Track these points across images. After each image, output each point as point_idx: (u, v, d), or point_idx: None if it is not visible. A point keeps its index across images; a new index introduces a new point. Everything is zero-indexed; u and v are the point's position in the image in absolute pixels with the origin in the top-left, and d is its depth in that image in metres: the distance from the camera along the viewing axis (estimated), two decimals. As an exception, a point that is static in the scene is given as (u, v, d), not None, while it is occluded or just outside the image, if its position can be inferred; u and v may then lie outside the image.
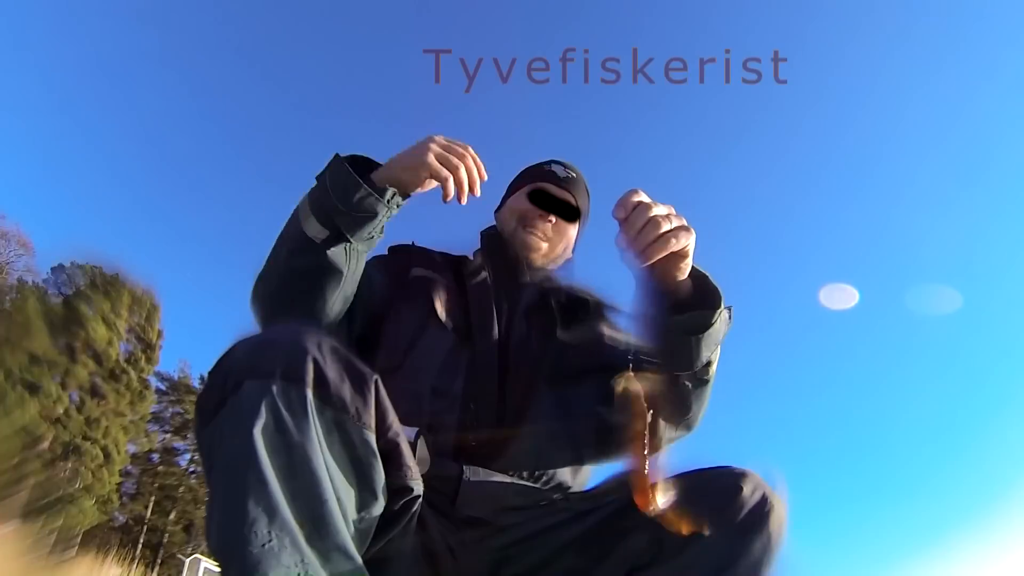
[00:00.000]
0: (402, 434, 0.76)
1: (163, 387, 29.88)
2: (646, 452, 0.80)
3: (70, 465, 21.87)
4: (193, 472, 29.75)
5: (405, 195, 0.94)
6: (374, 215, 0.90)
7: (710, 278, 0.91)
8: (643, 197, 0.83)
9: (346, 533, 0.66)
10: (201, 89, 40.47)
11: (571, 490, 1.02)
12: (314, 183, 0.92)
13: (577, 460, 1.03)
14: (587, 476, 1.07)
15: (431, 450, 0.90)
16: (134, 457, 27.24)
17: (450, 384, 0.98)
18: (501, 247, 1.19)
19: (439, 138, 0.93)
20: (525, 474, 0.97)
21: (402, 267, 1.13)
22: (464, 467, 0.92)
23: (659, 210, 0.82)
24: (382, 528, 0.74)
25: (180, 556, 25.08)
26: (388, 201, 0.90)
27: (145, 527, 27.72)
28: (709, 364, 0.97)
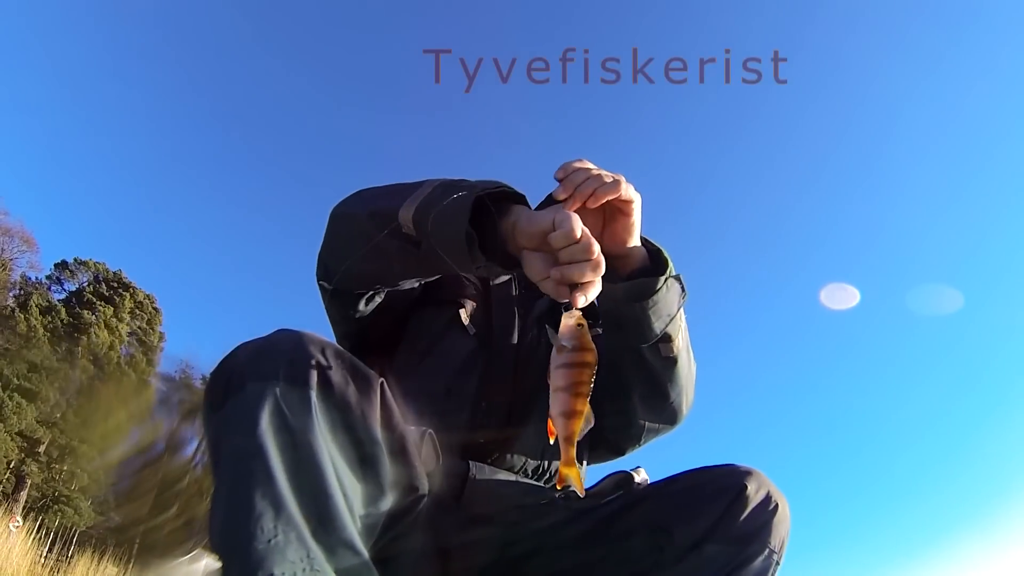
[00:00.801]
0: (408, 433, 0.77)
1: (163, 388, 29.84)
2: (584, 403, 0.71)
3: (66, 467, 21.85)
4: (195, 467, 29.69)
5: (511, 257, 0.77)
6: (453, 267, 0.78)
7: (663, 251, 0.88)
8: (587, 164, 0.79)
9: (352, 528, 0.66)
10: (205, 91, 40.49)
11: (573, 489, 1.03)
12: (454, 179, 0.80)
13: (579, 461, 1.04)
14: (587, 476, 1.08)
15: (439, 448, 0.91)
16: (132, 458, 27.20)
17: (464, 385, 1.00)
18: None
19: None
20: (530, 473, 0.98)
21: None
22: (471, 466, 0.93)
23: (602, 172, 0.78)
24: (388, 524, 0.74)
25: (179, 553, 24.98)
26: (478, 264, 0.77)
27: (142, 527, 27.63)
28: (669, 340, 0.92)
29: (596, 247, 0.71)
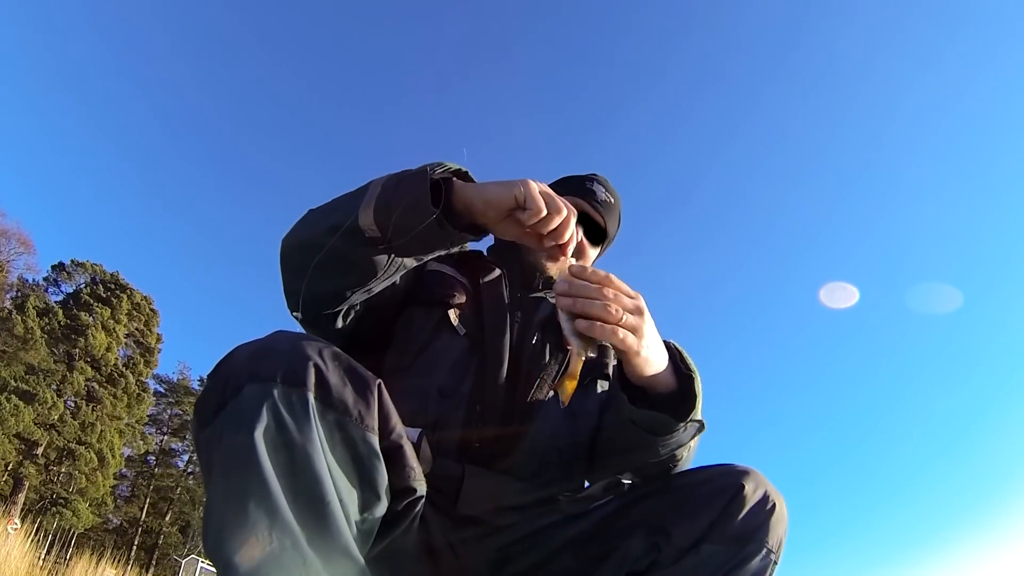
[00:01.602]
0: (405, 435, 0.76)
1: (162, 389, 29.83)
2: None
3: (64, 469, 21.80)
4: (190, 474, 29.69)
5: (480, 227, 0.83)
6: (431, 249, 0.83)
7: (695, 382, 0.84)
8: (610, 280, 0.77)
9: (349, 534, 0.66)
10: (204, 94, 40.39)
11: (570, 492, 1.02)
12: (396, 173, 0.83)
13: (577, 464, 1.03)
14: (585, 479, 1.08)
15: (434, 450, 0.90)
16: (129, 460, 27.17)
17: (458, 385, 0.99)
18: (517, 251, 1.15)
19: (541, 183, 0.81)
20: (526, 475, 0.98)
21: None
22: (467, 467, 0.93)
23: (609, 292, 0.75)
24: (385, 528, 0.74)
25: (176, 557, 24.97)
26: (452, 240, 0.82)
27: (140, 529, 27.60)
28: (675, 458, 0.91)
29: (561, 206, 0.78)
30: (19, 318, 21.09)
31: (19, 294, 23.23)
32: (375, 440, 0.70)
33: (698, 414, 0.84)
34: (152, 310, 26.54)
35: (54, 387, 21.62)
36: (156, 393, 28.69)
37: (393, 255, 0.85)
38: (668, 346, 0.87)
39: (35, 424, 20.29)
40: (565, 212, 0.78)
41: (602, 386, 1.07)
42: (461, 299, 1.06)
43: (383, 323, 1.05)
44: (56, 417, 21.06)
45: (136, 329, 25.94)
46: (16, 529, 9.08)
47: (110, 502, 24.20)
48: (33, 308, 21.85)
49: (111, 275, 25.46)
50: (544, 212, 0.76)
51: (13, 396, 19.56)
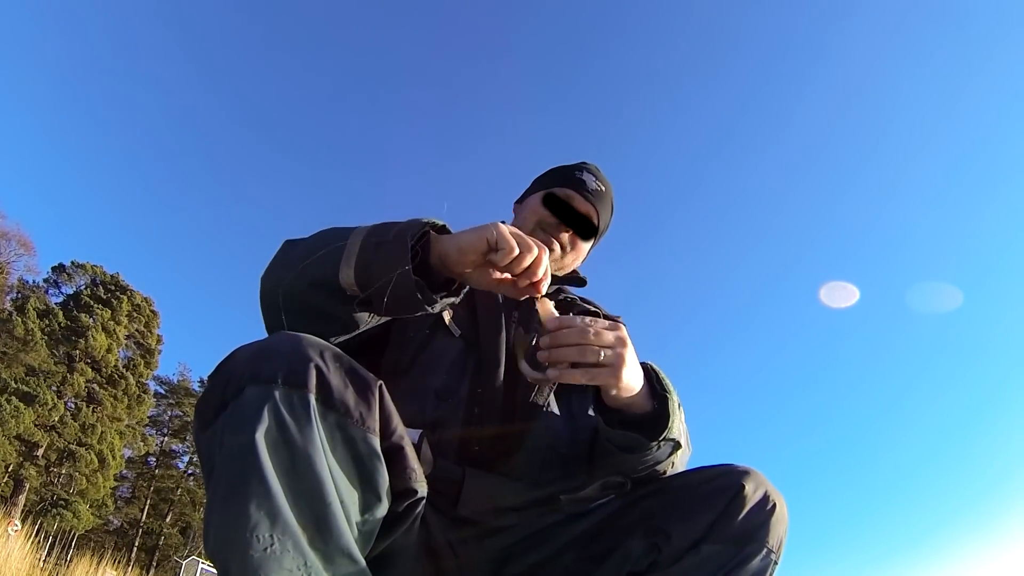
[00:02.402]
0: (406, 436, 0.76)
1: (162, 390, 29.84)
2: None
3: (64, 471, 21.80)
4: (191, 475, 29.69)
5: (457, 283, 0.85)
6: (413, 312, 0.82)
7: (670, 402, 0.87)
8: (586, 329, 0.80)
9: (349, 535, 0.66)
10: (204, 94, 40.39)
11: (570, 492, 1.02)
12: (376, 230, 0.83)
13: (577, 464, 1.03)
14: (585, 479, 1.07)
15: (434, 451, 0.90)
16: (130, 461, 27.18)
17: (455, 387, 0.98)
18: None
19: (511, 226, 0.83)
20: (526, 476, 0.97)
21: None
22: (466, 469, 0.93)
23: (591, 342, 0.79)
24: (386, 529, 0.74)
25: (176, 559, 24.96)
26: (434, 308, 0.82)
27: (140, 530, 27.61)
28: (656, 472, 0.93)
29: (532, 244, 0.80)
30: (19, 320, 21.11)
31: (19, 296, 23.24)
32: (376, 441, 0.70)
33: (672, 433, 0.86)
34: (152, 311, 26.55)
35: (54, 388, 21.64)
36: (156, 394, 28.73)
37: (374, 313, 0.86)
38: (644, 367, 0.90)
39: (35, 426, 20.29)
40: (536, 250, 0.80)
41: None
42: None
43: (379, 324, 1.05)
44: (56, 419, 21.07)
45: (136, 330, 25.96)
46: (16, 531, 9.07)
47: (110, 503, 24.22)
48: (33, 310, 21.86)
49: (111, 276, 25.48)
50: (516, 251, 0.78)
51: (13, 398, 19.57)
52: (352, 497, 0.68)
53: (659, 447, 0.86)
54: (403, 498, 0.75)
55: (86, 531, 22.58)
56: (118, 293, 24.95)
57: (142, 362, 25.88)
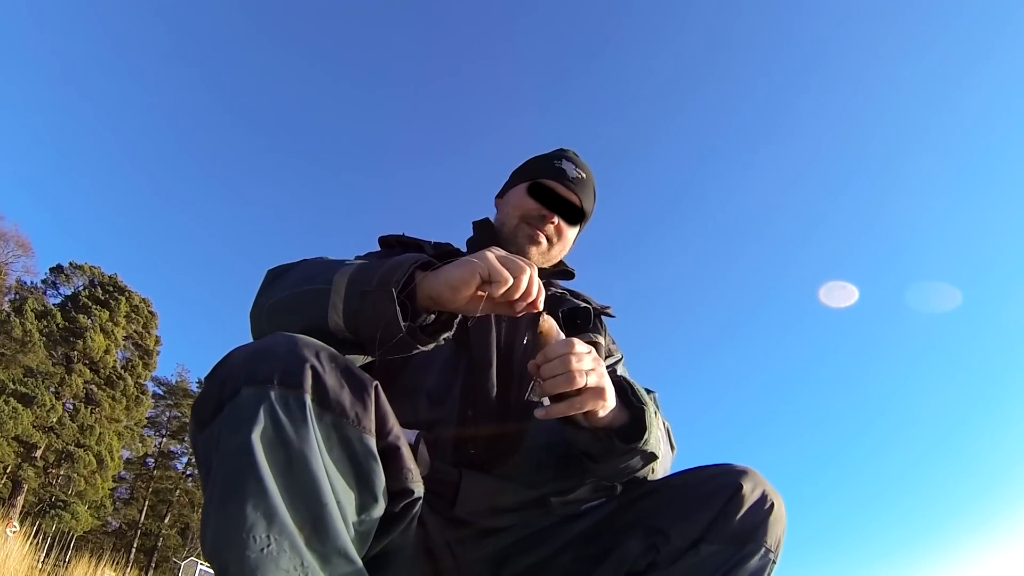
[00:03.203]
0: (403, 437, 0.76)
1: (160, 391, 29.81)
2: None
3: (63, 472, 21.77)
4: (189, 476, 29.66)
5: (448, 318, 0.85)
6: (406, 353, 0.82)
7: (646, 414, 0.89)
8: (579, 360, 0.82)
9: (346, 536, 0.65)
10: (204, 95, 40.36)
11: (566, 493, 1.02)
12: (360, 274, 0.82)
13: (573, 464, 1.03)
14: (581, 479, 1.07)
15: (431, 453, 0.90)
16: (128, 462, 27.14)
17: (448, 388, 0.98)
18: (495, 243, 1.12)
19: (497, 249, 0.83)
20: (523, 477, 0.97)
21: None
22: (463, 470, 0.93)
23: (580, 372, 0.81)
24: (383, 530, 0.74)
25: (175, 559, 24.94)
26: (425, 347, 0.83)
27: (139, 531, 27.57)
28: (637, 479, 0.95)
29: (523, 266, 0.79)
30: (17, 321, 21.06)
31: (17, 297, 23.20)
32: (372, 442, 0.70)
33: (649, 446, 0.88)
34: (150, 312, 26.52)
35: (52, 390, 21.59)
36: (155, 395, 28.70)
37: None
38: (618, 382, 0.92)
39: (34, 427, 20.24)
40: (528, 271, 0.79)
41: None
42: None
43: None
44: (55, 420, 21.02)
45: (135, 331, 25.92)
46: (15, 532, 9.06)
47: (109, 505, 24.17)
48: (31, 311, 21.81)
49: (109, 277, 25.45)
50: (511, 280, 0.77)
51: (11, 399, 19.52)
52: (349, 497, 0.68)
53: (631, 455, 0.88)
54: (400, 498, 0.75)
55: (84, 532, 22.53)
56: (116, 294, 24.92)
57: (140, 363, 25.85)
